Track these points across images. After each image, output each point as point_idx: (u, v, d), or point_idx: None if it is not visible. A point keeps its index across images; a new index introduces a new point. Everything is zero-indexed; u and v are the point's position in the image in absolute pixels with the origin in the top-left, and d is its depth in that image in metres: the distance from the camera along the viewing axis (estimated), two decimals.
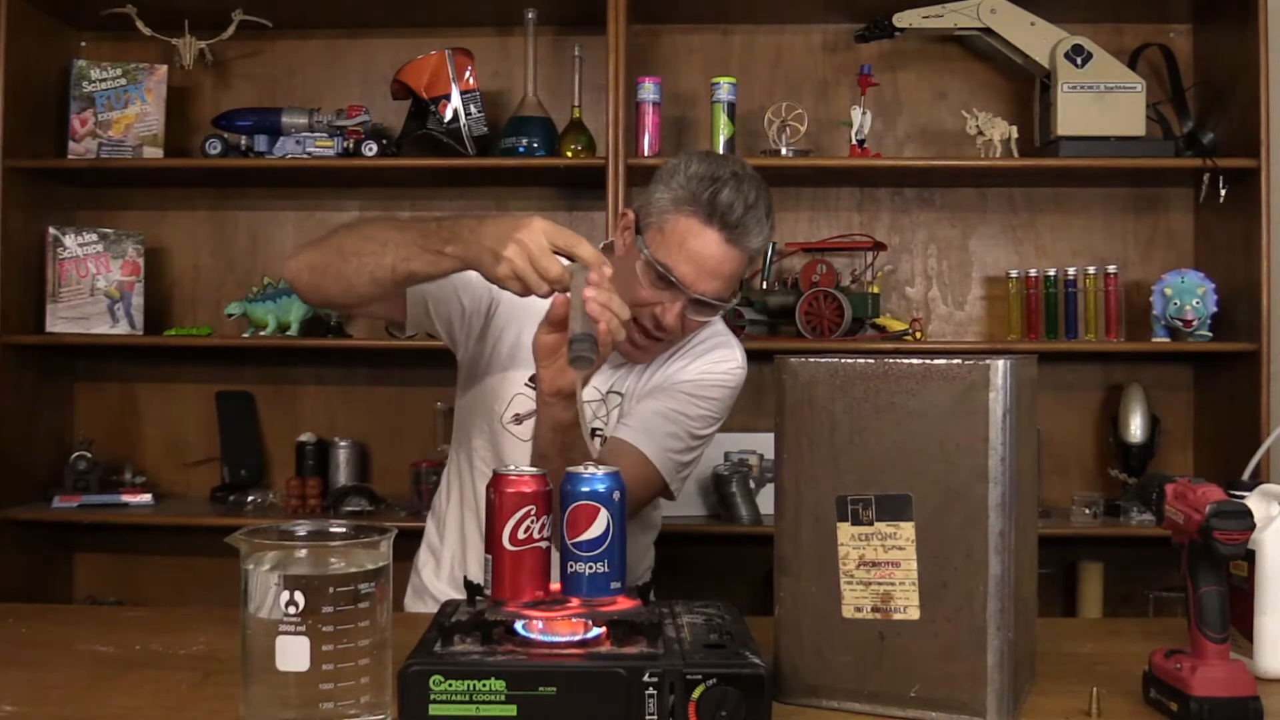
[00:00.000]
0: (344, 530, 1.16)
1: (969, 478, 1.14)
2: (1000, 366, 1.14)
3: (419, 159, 2.85)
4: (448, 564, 1.84)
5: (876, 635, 1.18)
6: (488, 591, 1.23)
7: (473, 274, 1.42)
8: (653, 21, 2.95)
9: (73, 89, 2.86)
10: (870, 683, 1.18)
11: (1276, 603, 1.31)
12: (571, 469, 1.24)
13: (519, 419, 1.71)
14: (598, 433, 1.75)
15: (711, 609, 1.33)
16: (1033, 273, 2.84)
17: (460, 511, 1.82)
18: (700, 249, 1.57)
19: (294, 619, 1.03)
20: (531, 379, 1.58)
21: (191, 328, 2.98)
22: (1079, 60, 2.69)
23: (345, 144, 2.79)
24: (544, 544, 1.23)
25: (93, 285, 2.86)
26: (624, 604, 1.21)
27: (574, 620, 1.19)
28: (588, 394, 1.71)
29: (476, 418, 1.76)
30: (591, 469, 1.22)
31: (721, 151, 2.75)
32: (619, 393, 1.75)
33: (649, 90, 2.76)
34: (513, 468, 1.25)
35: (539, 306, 1.41)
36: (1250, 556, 1.31)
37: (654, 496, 1.72)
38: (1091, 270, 2.79)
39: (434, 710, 1.09)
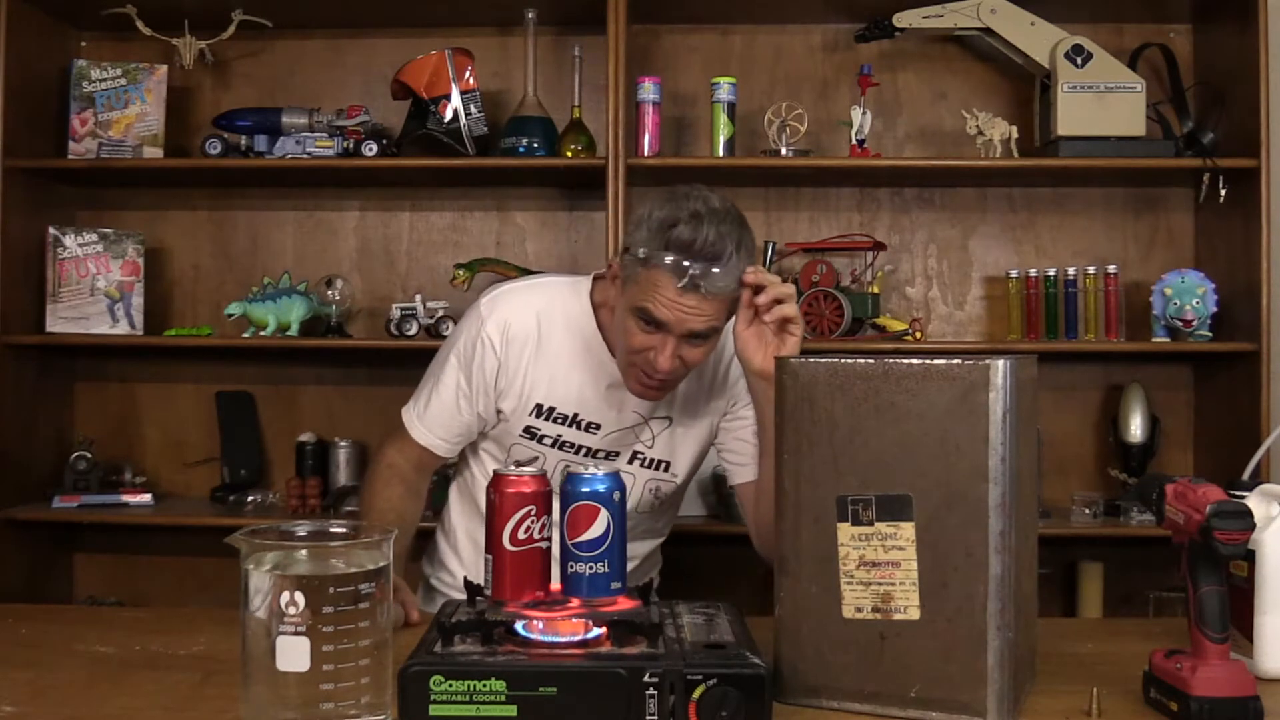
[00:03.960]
0: (344, 530, 1.16)
1: (969, 478, 1.14)
2: (1000, 366, 1.14)
3: (419, 159, 2.85)
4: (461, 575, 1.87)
5: (877, 635, 1.18)
6: (488, 591, 1.23)
7: (476, 382, 1.73)
8: (653, 21, 2.95)
9: (73, 89, 2.86)
10: (870, 683, 1.19)
11: (1276, 603, 1.31)
12: (571, 469, 1.24)
13: (520, 464, 1.80)
14: (638, 455, 1.77)
15: (711, 609, 1.33)
16: (1033, 273, 2.84)
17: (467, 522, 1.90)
18: (670, 298, 1.55)
19: (294, 619, 1.03)
20: (526, 430, 1.74)
21: (191, 328, 2.98)
22: (1079, 60, 2.69)
23: (345, 144, 2.79)
24: (544, 544, 1.23)
25: (93, 285, 2.86)
26: (624, 604, 1.21)
27: (574, 620, 1.19)
28: (630, 419, 1.75)
29: (492, 454, 1.84)
30: (591, 469, 1.23)
31: (720, 153, 2.76)
32: (668, 416, 1.77)
33: (649, 90, 2.76)
34: (513, 468, 1.25)
35: (538, 361, 1.71)
36: (1250, 556, 1.31)
37: None
38: (1091, 270, 2.79)
39: (434, 710, 1.09)
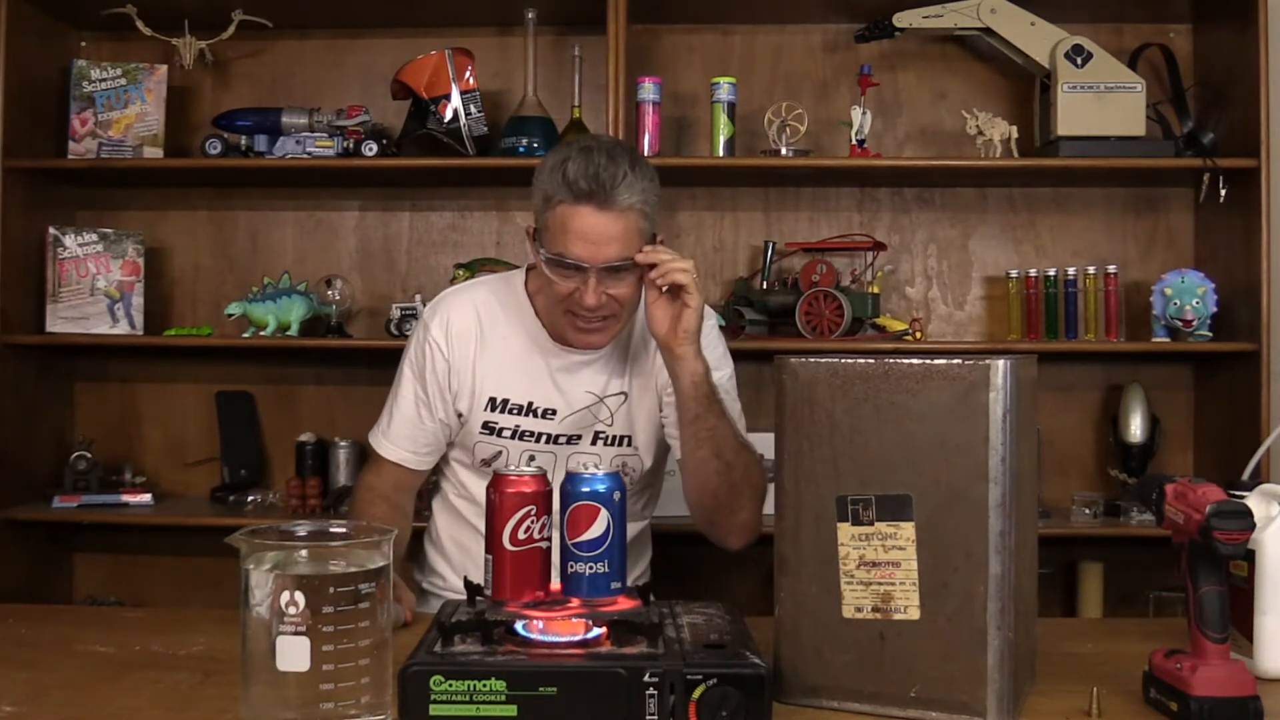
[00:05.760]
0: (344, 530, 1.16)
1: (969, 478, 1.14)
2: (1000, 366, 1.14)
3: (419, 159, 2.85)
4: (454, 580, 1.87)
5: (877, 635, 1.18)
6: (488, 591, 1.23)
7: (431, 387, 1.76)
8: (653, 21, 2.94)
9: (73, 89, 2.86)
10: (870, 683, 1.19)
11: (1276, 603, 1.31)
12: (571, 469, 1.24)
13: (486, 463, 1.81)
14: (600, 435, 1.77)
15: (711, 609, 1.33)
16: (1033, 273, 2.84)
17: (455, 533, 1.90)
18: (580, 227, 1.60)
19: (294, 619, 1.03)
20: (485, 426, 1.76)
21: (191, 328, 2.98)
22: (1079, 60, 2.69)
23: (345, 144, 2.79)
24: (544, 544, 1.23)
25: (93, 285, 2.86)
26: (624, 604, 1.21)
27: (574, 620, 1.19)
28: (584, 399, 1.76)
29: (461, 460, 1.86)
30: (592, 469, 1.23)
31: (720, 153, 2.76)
32: (623, 392, 1.77)
33: (649, 90, 2.76)
34: (512, 468, 1.25)
35: (481, 358, 1.75)
36: (1250, 556, 1.32)
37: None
38: (1091, 270, 2.79)
39: (434, 710, 1.09)
